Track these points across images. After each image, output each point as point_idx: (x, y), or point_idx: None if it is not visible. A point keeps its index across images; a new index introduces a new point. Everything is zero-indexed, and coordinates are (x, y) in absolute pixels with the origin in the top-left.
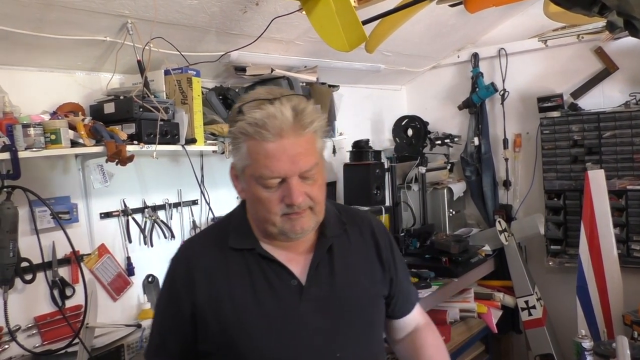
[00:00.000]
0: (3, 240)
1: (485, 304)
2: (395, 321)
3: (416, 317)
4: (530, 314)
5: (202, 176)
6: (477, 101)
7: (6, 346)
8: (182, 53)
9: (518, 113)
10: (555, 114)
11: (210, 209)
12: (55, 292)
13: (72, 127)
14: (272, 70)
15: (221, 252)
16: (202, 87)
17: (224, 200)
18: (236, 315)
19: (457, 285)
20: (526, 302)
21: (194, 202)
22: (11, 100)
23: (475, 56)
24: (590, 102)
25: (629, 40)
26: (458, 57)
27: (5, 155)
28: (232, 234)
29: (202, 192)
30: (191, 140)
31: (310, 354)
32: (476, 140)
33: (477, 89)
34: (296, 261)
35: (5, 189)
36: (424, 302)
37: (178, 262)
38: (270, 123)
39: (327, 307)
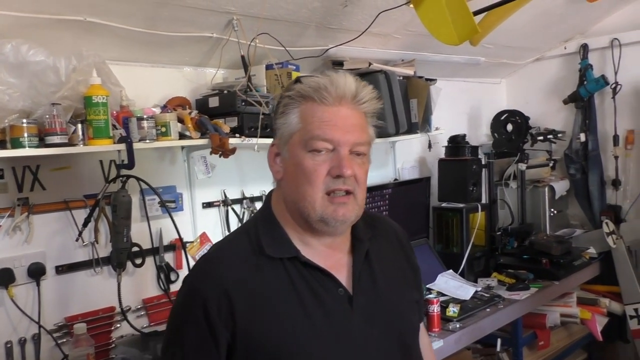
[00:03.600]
0: (118, 226)
1: (589, 309)
2: None
3: (422, 331)
4: (639, 323)
5: None
6: (584, 95)
7: (118, 325)
8: (286, 48)
9: (631, 108)
10: None
11: None
12: (162, 277)
13: (180, 120)
14: (370, 64)
15: (257, 264)
16: None
17: None
18: (286, 337)
19: (558, 288)
20: (635, 310)
21: None
22: (127, 94)
23: (584, 47)
24: None
25: None
26: (565, 48)
27: (122, 146)
28: (265, 240)
29: None
30: None
31: None
32: (582, 137)
33: (585, 82)
34: (337, 268)
35: (120, 178)
36: (522, 304)
37: (206, 283)
38: (332, 88)
39: (374, 316)
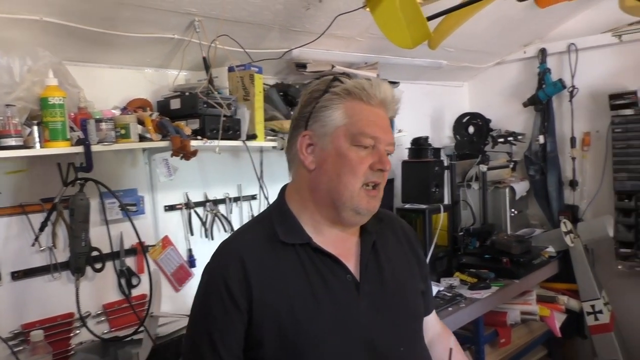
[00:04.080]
0: (76, 230)
1: (548, 307)
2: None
3: (435, 321)
4: (596, 319)
5: (262, 171)
6: (543, 98)
7: (77, 331)
8: (246, 50)
9: (588, 111)
10: (629, 111)
11: (268, 203)
12: (122, 281)
13: (140, 122)
14: (333, 66)
15: (272, 247)
16: (263, 83)
17: None
18: (295, 314)
19: (518, 286)
20: (592, 306)
21: (253, 197)
22: (85, 95)
23: (542, 52)
24: None
25: None
26: (524, 52)
27: (79, 149)
28: (279, 228)
29: (261, 187)
30: (252, 136)
31: (373, 347)
32: (541, 139)
33: (543, 86)
34: (346, 256)
35: (78, 181)
36: (483, 303)
37: (229, 259)
38: (376, 91)
39: (379, 303)
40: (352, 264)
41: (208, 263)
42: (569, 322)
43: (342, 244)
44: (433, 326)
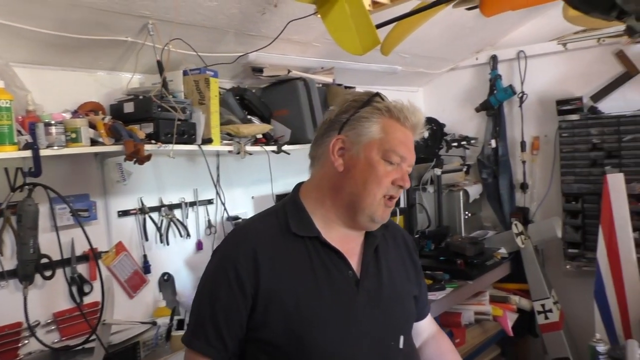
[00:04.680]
0: (24, 237)
1: (501, 306)
2: (414, 324)
3: (430, 324)
4: (546, 318)
5: (218, 176)
6: (495, 103)
7: (26, 341)
8: (200, 54)
9: (536, 116)
10: (575, 117)
11: (225, 208)
12: (74, 289)
13: (92, 125)
14: (289, 71)
15: (283, 238)
16: (219, 87)
17: (239, 199)
18: (299, 301)
19: (472, 287)
20: (542, 305)
21: (210, 202)
22: (34, 98)
23: (493, 58)
24: (611, 105)
25: None
26: (476, 59)
27: (27, 153)
28: (292, 221)
29: (217, 191)
30: (208, 140)
31: (369, 340)
32: (493, 143)
33: (495, 92)
34: (350, 254)
35: (26, 187)
36: (438, 304)
37: (240, 245)
38: (412, 115)
39: (376, 299)
40: (354, 262)
41: (219, 246)
42: (521, 322)
43: (347, 243)
44: (428, 327)
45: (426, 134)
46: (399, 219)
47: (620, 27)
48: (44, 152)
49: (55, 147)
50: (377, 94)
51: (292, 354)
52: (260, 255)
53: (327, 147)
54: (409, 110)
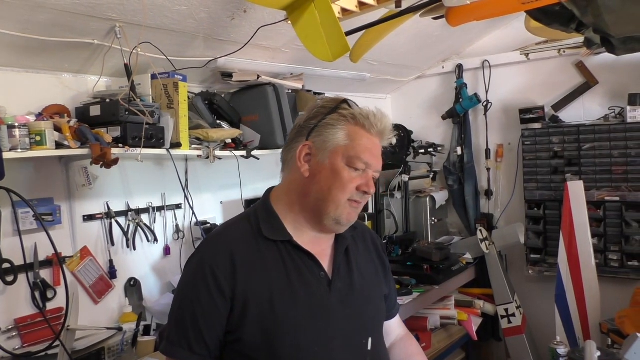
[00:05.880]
0: None
1: (466, 311)
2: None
3: (399, 326)
4: (510, 322)
5: (187, 180)
6: (460, 111)
7: None
8: (169, 58)
9: (500, 124)
10: (537, 125)
11: (193, 213)
12: (37, 294)
13: (57, 128)
14: (259, 76)
15: (257, 242)
16: (188, 92)
17: (208, 204)
18: (273, 302)
19: (438, 292)
20: (506, 310)
21: (178, 206)
22: None
23: (459, 67)
24: (571, 114)
25: (608, 56)
26: (443, 67)
27: None
28: (264, 226)
29: (186, 196)
30: (176, 145)
31: (341, 339)
32: (459, 150)
33: (461, 100)
34: (321, 256)
35: None
36: (405, 308)
37: (217, 250)
38: (379, 122)
39: (348, 299)
40: (326, 263)
41: (196, 252)
42: (485, 326)
43: (318, 245)
44: (396, 329)
45: (394, 141)
46: (367, 224)
47: (580, 39)
48: (7, 155)
49: (19, 150)
50: (345, 101)
51: (267, 353)
52: (237, 258)
53: (295, 152)
54: (376, 117)
